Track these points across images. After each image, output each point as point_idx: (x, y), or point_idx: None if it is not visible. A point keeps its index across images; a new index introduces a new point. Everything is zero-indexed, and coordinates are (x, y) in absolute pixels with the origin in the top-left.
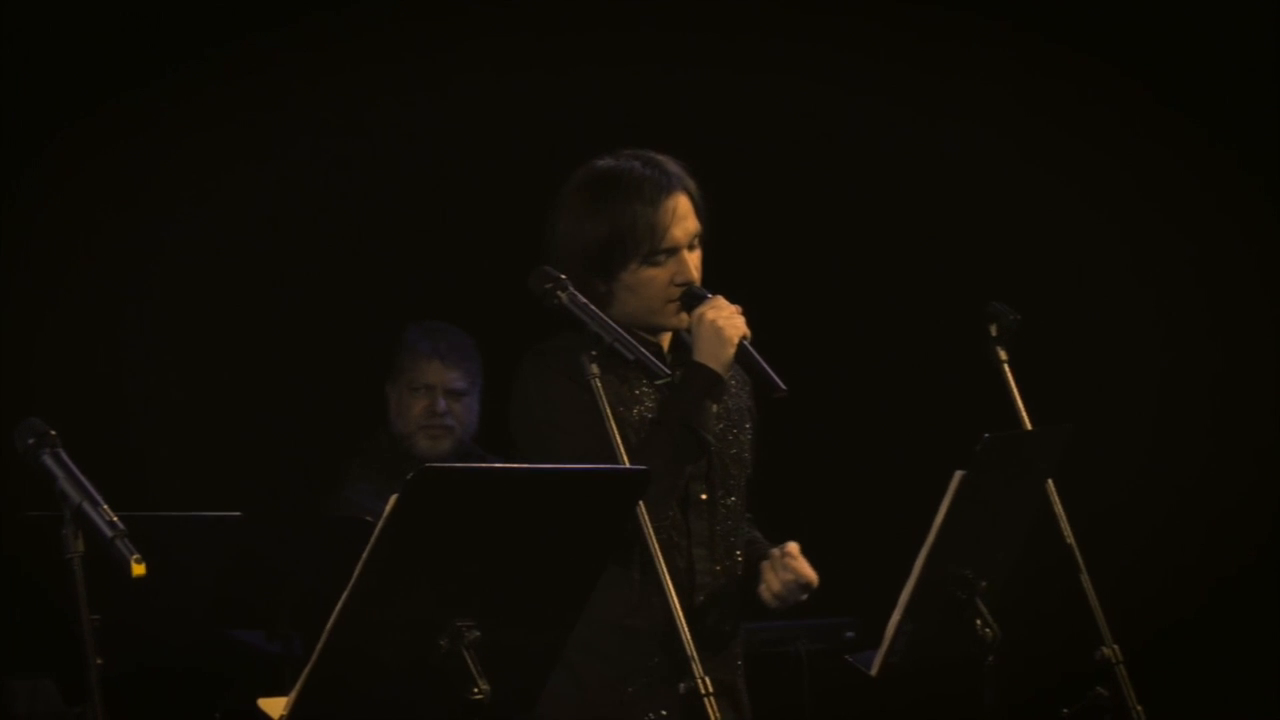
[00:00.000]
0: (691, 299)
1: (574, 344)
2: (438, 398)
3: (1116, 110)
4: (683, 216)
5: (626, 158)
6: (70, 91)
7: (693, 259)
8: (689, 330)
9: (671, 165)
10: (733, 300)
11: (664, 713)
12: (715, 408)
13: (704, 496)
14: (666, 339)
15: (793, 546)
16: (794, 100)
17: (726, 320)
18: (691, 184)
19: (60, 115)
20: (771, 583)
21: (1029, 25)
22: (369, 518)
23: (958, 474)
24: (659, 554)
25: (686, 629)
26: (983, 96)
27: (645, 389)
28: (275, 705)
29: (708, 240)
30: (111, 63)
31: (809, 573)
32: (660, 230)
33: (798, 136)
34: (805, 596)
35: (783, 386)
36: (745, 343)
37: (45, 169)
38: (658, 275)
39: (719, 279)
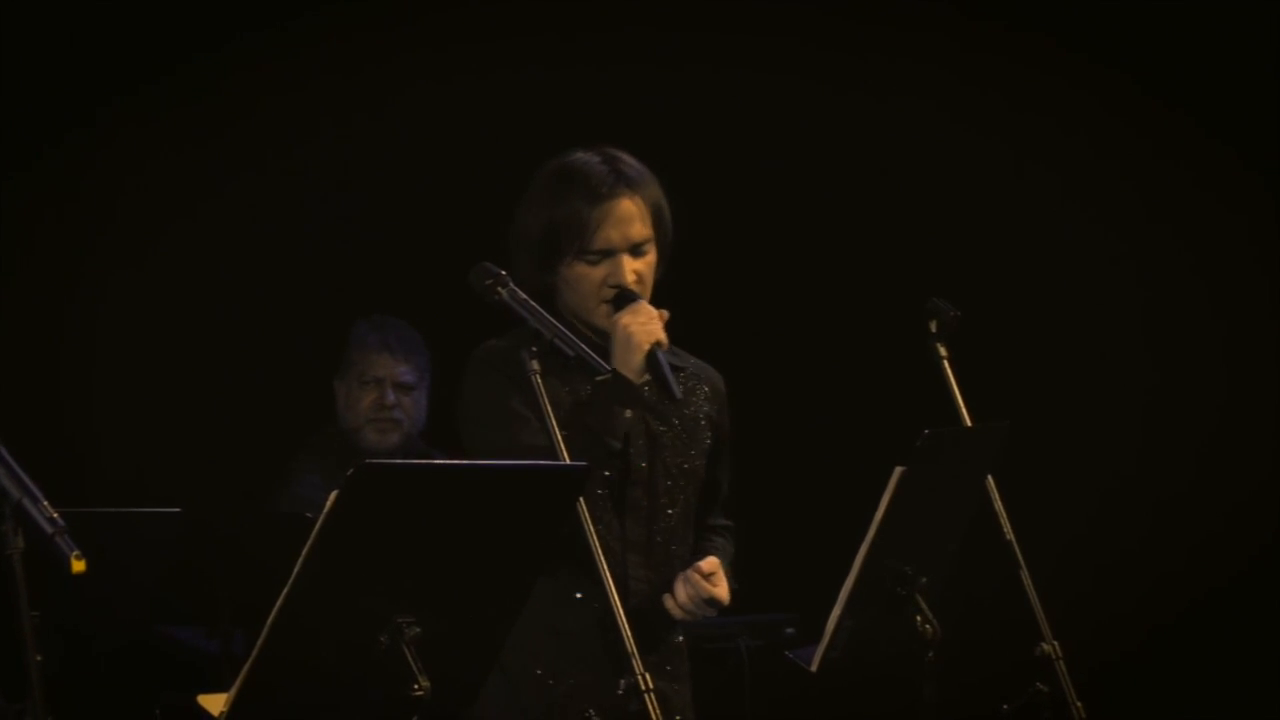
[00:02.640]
0: (620, 302)
1: (518, 342)
2: (387, 390)
3: (1060, 100)
4: (622, 220)
5: (592, 152)
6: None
7: (635, 265)
8: None
9: (632, 169)
10: (667, 302)
11: (594, 713)
12: (629, 413)
13: (644, 503)
14: None
15: (707, 564)
16: (732, 94)
17: (640, 326)
18: (652, 190)
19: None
20: (679, 594)
21: (976, 13)
22: (309, 514)
23: (898, 470)
24: (599, 549)
25: (627, 626)
26: (925, 86)
27: (585, 391)
28: (215, 702)
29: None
30: (56, 78)
31: (716, 592)
32: (591, 228)
33: (735, 131)
34: (714, 612)
35: (678, 395)
36: (656, 349)
37: None
38: (590, 273)
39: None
